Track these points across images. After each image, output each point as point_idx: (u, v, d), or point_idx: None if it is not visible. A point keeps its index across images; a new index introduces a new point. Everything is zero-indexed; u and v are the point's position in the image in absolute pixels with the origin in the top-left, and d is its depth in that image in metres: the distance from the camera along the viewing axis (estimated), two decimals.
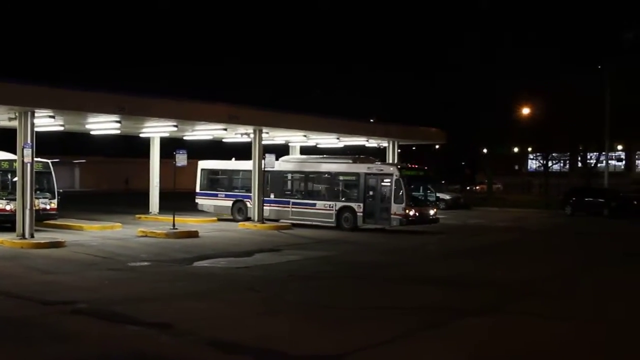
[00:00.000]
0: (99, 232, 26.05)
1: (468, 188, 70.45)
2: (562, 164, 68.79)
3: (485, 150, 64.79)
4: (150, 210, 34.63)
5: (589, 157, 57.88)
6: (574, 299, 13.63)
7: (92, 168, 72.45)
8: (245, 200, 32.81)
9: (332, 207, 30.05)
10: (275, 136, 35.52)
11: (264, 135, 31.59)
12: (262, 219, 30.41)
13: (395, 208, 28.00)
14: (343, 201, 30.07)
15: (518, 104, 54.63)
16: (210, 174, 35.88)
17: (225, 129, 30.75)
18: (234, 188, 34.27)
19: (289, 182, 33.14)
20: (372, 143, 40.84)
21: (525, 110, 53.34)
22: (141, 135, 34.40)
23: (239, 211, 33.07)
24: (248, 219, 31.62)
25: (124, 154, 67.17)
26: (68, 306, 12.37)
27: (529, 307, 12.89)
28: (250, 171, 32.00)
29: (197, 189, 35.65)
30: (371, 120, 45.20)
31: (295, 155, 37.28)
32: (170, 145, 32.76)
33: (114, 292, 14.02)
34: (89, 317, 11.67)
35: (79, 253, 20.14)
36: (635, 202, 40.62)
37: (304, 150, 40.98)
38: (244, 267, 18.18)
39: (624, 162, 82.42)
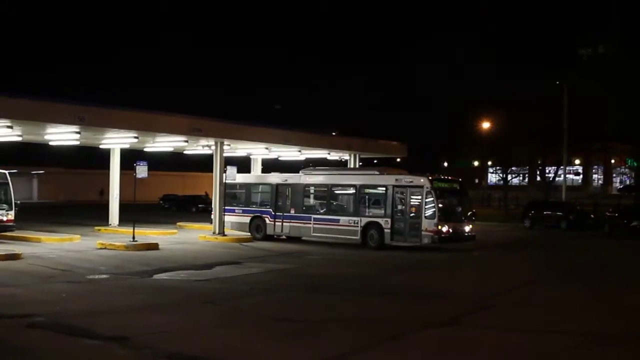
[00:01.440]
0: (57, 245, 25.72)
1: None
2: (521, 178, 69.67)
3: (445, 164, 65.42)
4: (109, 222, 34.33)
5: (547, 171, 58.67)
6: (530, 312, 13.78)
7: (51, 179, 71.57)
8: (264, 216, 30.74)
9: (357, 223, 27.47)
10: (237, 148, 35.55)
11: (225, 147, 31.56)
12: (222, 231, 30.28)
13: (427, 224, 25.47)
14: (369, 217, 27.44)
15: (478, 118, 55.36)
16: (228, 187, 32.52)
17: (187, 141, 30.67)
18: (252, 203, 31.95)
19: (311, 196, 30.59)
20: (334, 156, 41.03)
21: (485, 125, 54.05)
22: (101, 146, 34.14)
23: (257, 229, 30.74)
24: (267, 237, 30.00)
25: (84, 165, 66.56)
26: (24, 319, 12.22)
27: (486, 320, 13.02)
28: (270, 185, 31.02)
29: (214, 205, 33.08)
30: (333, 134, 45.42)
31: (318, 168, 34.18)
32: (131, 157, 32.41)
33: (71, 305, 13.88)
34: (45, 331, 11.55)
35: (36, 265, 19.90)
36: (592, 216, 41.39)
37: (268, 163, 41.04)
38: (203, 279, 18.11)
39: (581, 176, 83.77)
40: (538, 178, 59.87)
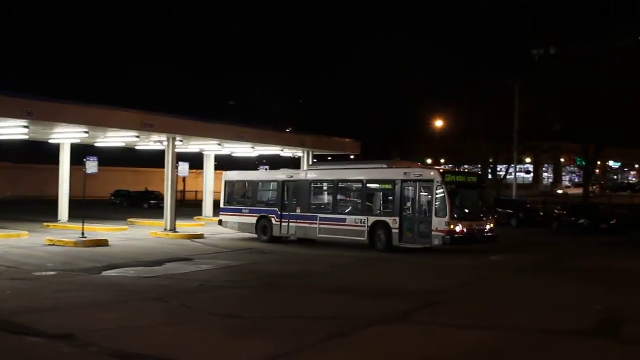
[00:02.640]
0: (3, 241, 25.29)
1: None
2: None
3: (398, 159, 65.73)
4: (59, 218, 33.85)
5: (499, 169, 59.44)
6: (479, 308, 13.93)
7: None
8: (270, 216, 28.73)
9: (364, 222, 25.22)
10: (189, 144, 35.31)
11: (177, 143, 31.32)
12: (174, 227, 30.06)
13: (437, 223, 23.05)
14: (376, 215, 25.25)
15: (431, 116, 55.91)
16: (234, 186, 31.80)
17: (138, 136, 30.36)
18: (258, 202, 30.10)
19: (316, 194, 28.59)
20: (287, 152, 41.05)
21: (438, 123, 54.56)
22: (50, 141, 33.61)
23: (264, 229, 28.79)
24: (273, 240, 28.22)
25: (33, 160, 65.49)
26: None
27: (434, 316, 13.13)
28: (276, 182, 29.35)
29: (221, 204, 31.77)
30: (287, 130, 45.42)
31: (324, 162, 33.10)
32: (83, 152, 31.87)
33: (16, 302, 13.64)
34: None
35: None
36: (541, 213, 42.13)
37: (222, 159, 40.84)
38: (153, 276, 17.94)
39: (532, 174, 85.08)
40: (490, 176, 60.66)
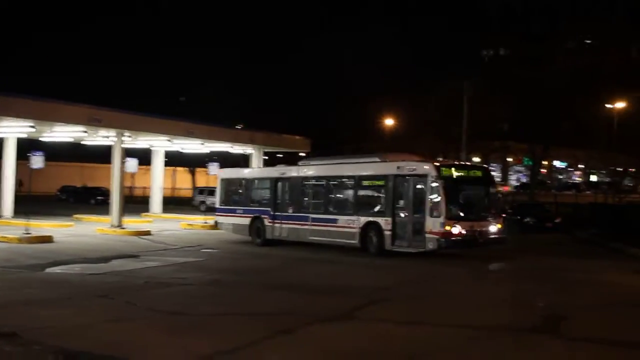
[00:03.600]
0: None
1: None
2: None
3: None
4: (2, 214, 33.25)
5: None
6: (425, 305, 14.10)
7: None
8: (263, 217, 26.69)
9: (356, 223, 23.02)
10: (138, 140, 35.01)
11: (126, 138, 31.01)
12: (121, 224, 29.77)
13: (431, 224, 20.52)
14: (369, 215, 22.83)
15: (381, 114, 56.28)
16: (230, 185, 29.90)
17: (86, 131, 29.99)
18: (252, 202, 28.01)
19: (308, 192, 26.21)
20: (237, 149, 40.94)
21: (388, 121, 54.94)
22: None
23: (258, 232, 26.79)
24: (267, 243, 26.20)
25: None
26: None
27: (380, 313, 13.25)
28: (269, 179, 27.53)
29: (217, 204, 30.40)
30: (237, 127, 45.28)
31: (317, 158, 30.09)
32: (30, 146, 31.30)
33: None
34: None
35: None
36: None
37: (171, 156, 40.51)
38: (98, 273, 17.78)
39: None
40: None
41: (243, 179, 29.52)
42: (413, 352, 10.22)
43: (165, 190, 54.78)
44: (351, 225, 23.18)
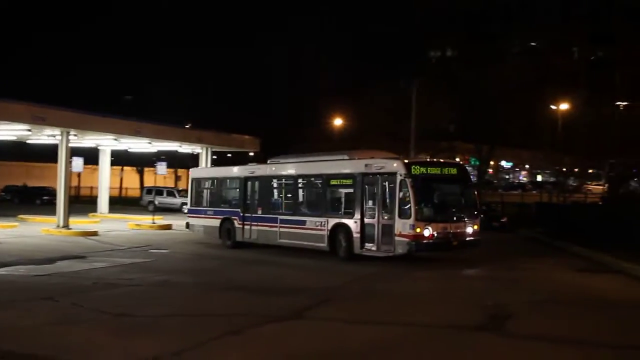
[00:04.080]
0: None
1: None
2: None
3: None
4: None
5: None
6: (375, 304, 14.17)
7: None
8: (233, 218, 25.41)
9: (324, 225, 21.74)
10: (84, 139, 34.51)
11: (72, 137, 30.53)
12: (67, 224, 29.31)
13: (401, 226, 19.30)
14: (338, 216, 21.60)
15: (329, 114, 56.46)
16: (201, 184, 28.36)
17: (30, 130, 29.45)
18: (223, 203, 26.75)
19: (277, 192, 25.12)
20: (186, 149, 40.64)
21: (337, 121, 55.12)
22: None
23: (228, 234, 25.55)
24: (237, 245, 25.04)
25: None
26: None
27: (330, 312, 13.28)
28: (238, 179, 26.02)
29: (188, 205, 29.04)
30: (186, 126, 45.01)
31: (287, 155, 27.59)
32: None
33: None
34: None
35: None
36: None
37: (118, 155, 40.00)
38: (44, 274, 17.47)
39: None
40: None
41: (213, 178, 28.17)
42: (362, 350, 10.27)
43: (113, 190, 54.22)
44: (320, 228, 21.90)
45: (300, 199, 23.76)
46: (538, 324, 12.29)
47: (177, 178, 60.78)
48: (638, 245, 20.55)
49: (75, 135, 31.01)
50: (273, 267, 20.34)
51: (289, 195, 24.25)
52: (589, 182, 44.52)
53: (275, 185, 24.98)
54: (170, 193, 51.14)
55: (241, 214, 25.09)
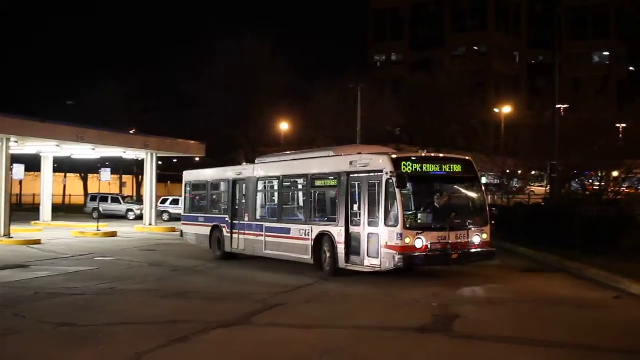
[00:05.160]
0: None
1: None
2: None
3: (245, 163, 65.85)
4: None
5: None
6: (321, 309, 14.16)
7: None
8: (222, 226, 23.03)
9: (308, 234, 18.90)
10: (25, 145, 33.83)
11: (12, 144, 29.90)
12: (8, 233, 28.67)
13: (387, 235, 16.31)
14: (322, 224, 18.71)
15: (277, 119, 56.48)
16: (194, 189, 25.89)
17: None
18: (214, 209, 24.51)
19: (263, 197, 22.37)
20: (130, 154, 40.14)
21: (283, 125, 55.16)
22: None
23: (218, 243, 23.15)
24: (228, 256, 22.67)
25: None
26: None
27: (276, 318, 13.23)
28: (226, 182, 23.55)
29: (182, 211, 26.91)
30: (130, 132, 44.52)
31: (274, 155, 24.99)
32: None
33: None
34: None
35: None
36: None
37: (61, 161, 39.29)
38: None
39: None
40: None
41: (206, 181, 25.42)
42: (307, 354, 10.26)
43: (56, 198, 53.29)
44: (304, 237, 19.08)
45: (285, 203, 21.01)
46: (484, 324, 12.42)
47: (122, 184, 60.00)
48: (580, 245, 20.96)
49: (15, 141, 30.39)
50: (225, 274, 20.19)
51: (274, 199, 21.69)
52: (532, 184, 45.31)
53: (260, 188, 22.17)
54: (115, 200, 50.48)
55: (229, 222, 22.79)
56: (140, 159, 40.96)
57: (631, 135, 35.05)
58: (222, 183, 24.22)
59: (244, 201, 22.37)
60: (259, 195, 22.16)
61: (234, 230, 22.48)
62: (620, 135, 35.93)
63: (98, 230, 33.07)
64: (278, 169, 21.58)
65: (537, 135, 35.31)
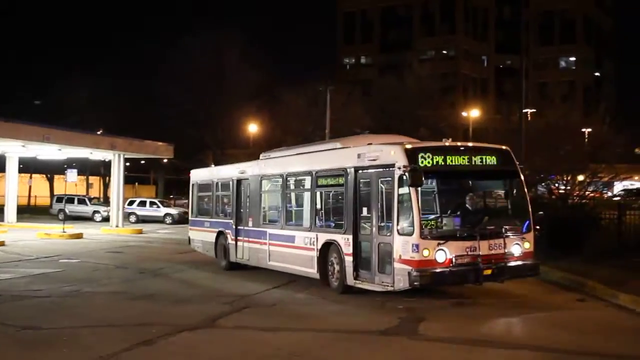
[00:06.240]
0: None
1: None
2: None
3: (213, 166, 65.62)
4: None
5: None
6: (288, 312, 14.12)
7: None
8: (226, 232, 20.53)
9: (313, 243, 16.09)
10: None
11: None
12: None
13: (400, 246, 13.24)
14: (330, 230, 15.86)
15: (246, 121, 56.38)
16: (202, 189, 23.36)
17: None
18: (220, 212, 21.90)
19: (267, 198, 19.46)
20: (97, 155, 39.81)
21: (252, 127, 55.07)
22: None
23: (223, 251, 20.59)
24: (232, 266, 20.10)
25: None
26: None
27: (243, 320, 13.17)
28: (230, 181, 21.00)
29: (189, 215, 24.60)
30: (97, 132, 44.13)
31: (280, 149, 22.01)
32: None
33: None
34: None
35: None
36: None
37: (27, 162, 38.81)
38: None
39: None
40: None
41: (213, 181, 22.62)
42: (271, 356, 10.24)
43: (22, 199, 52.63)
44: (309, 246, 16.31)
45: (289, 206, 18.15)
46: (451, 327, 12.42)
47: (89, 185, 59.44)
48: (545, 248, 21.11)
49: None
50: (189, 274, 20.06)
51: (278, 201, 18.57)
52: None
53: (264, 188, 19.31)
54: (82, 201, 50.04)
55: (233, 227, 20.23)
56: (107, 160, 40.62)
57: (596, 140, 35.48)
58: (227, 183, 21.41)
59: (248, 203, 19.82)
60: (263, 197, 19.36)
61: (238, 237, 19.93)
62: (586, 140, 36.34)
63: (64, 232, 32.72)
64: (281, 165, 18.70)
65: (504, 139, 35.57)
